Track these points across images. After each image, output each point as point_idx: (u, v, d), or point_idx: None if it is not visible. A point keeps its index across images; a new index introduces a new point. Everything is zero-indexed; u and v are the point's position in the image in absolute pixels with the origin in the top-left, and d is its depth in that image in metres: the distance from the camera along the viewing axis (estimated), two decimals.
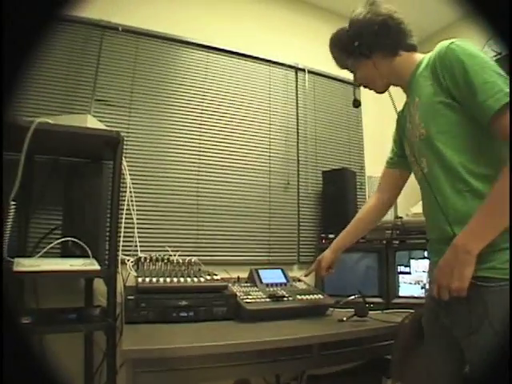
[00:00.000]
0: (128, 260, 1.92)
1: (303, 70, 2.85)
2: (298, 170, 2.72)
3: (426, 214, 1.31)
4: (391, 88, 1.40)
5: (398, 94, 1.38)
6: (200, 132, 2.44)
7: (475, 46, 1.11)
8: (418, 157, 1.27)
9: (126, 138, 2.00)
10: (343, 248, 1.71)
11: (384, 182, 1.61)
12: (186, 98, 2.45)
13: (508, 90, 0.98)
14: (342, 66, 1.48)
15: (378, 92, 1.41)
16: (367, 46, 1.30)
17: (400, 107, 1.40)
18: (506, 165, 0.98)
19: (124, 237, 1.94)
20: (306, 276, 1.87)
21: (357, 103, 1.52)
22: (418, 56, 1.29)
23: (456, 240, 1.06)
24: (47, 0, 0.85)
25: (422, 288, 1.92)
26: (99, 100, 2.19)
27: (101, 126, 1.78)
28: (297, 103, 2.82)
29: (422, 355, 1.33)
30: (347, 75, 2.35)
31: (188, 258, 1.98)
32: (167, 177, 2.30)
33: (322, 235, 2.43)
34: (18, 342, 0.80)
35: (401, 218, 2.17)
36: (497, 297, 1.02)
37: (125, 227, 1.95)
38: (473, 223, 1.04)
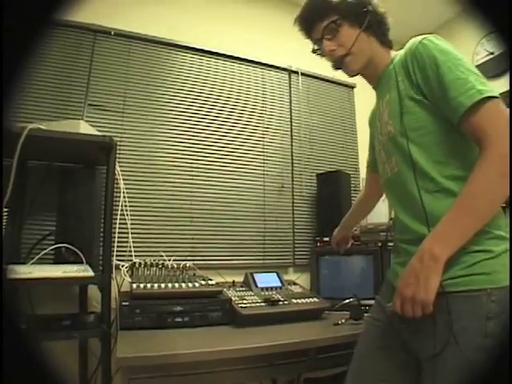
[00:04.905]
0: (122, 265, 1.92)
1: (296, 73, 2.86)
2: (293, 173, 2.72)
3: (395, 214, 1.22)
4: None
5: None
6: (194, 135, 2.44)
7: (448, 44, 1.07)
8: (388, 156, 1.21)
9: (119, 143, 2.00)
10: (353, 225, 1.86)
11: (368, 183, 1.64)
12: (180, 101, 2.44)
13: (481, 88, 0.94)
14: (317, 33, 1.34)
15: (350, 71, 1.26)
16: (373, 18, 1.20)
17: None
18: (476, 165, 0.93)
19: (118, 242, 1.94)
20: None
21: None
22: (392, 53, 1.24)
23: (423, 244, 0.98)
24: (38, 5, 0.84)
25: None
26: (92, 105, 2.18)
27: (94, 131, 1.77)
28: (290, 106, 2.82)
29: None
30: (342, 77, 2.38)
31: (183, 262, 1.98)
32: (161, 181, 2.29)
33: (317, 238, 2.43)
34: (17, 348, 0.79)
35: None
36: (461, 306, 0.95)
37: (119, 232, 1.95)
38: (440, 226, 0.96)
